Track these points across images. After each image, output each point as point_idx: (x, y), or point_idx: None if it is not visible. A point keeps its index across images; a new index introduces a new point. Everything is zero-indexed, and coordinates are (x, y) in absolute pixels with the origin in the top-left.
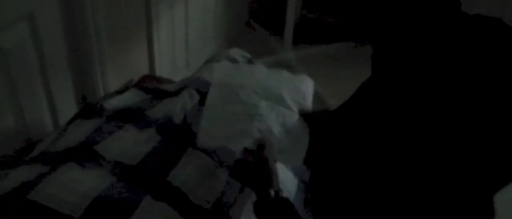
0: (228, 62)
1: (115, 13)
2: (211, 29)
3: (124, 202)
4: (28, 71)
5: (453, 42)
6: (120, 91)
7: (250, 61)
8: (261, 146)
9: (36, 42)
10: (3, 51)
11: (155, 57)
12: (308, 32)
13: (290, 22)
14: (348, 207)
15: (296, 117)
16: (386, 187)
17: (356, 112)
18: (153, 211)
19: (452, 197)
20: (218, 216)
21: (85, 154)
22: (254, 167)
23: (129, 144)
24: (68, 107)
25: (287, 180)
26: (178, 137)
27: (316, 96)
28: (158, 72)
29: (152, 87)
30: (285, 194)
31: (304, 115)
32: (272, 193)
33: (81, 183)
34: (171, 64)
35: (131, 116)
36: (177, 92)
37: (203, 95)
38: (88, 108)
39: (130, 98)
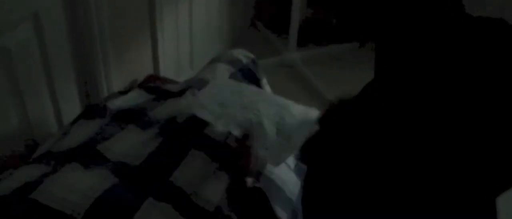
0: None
1: (119, 13)
2: (216, 30)
3: (126, 202)
4: (32, 72)
5: (457, 43)
6: (123, 92)
7: (254, 62)
8: (246, 136)
9: (41, 42)
10: (7, 51)
11: (159, 58)
12: (313, 33)
13: (295, 22)
14: (348, 207)
15: (295, 120)
16: (388, 188)
17: (359, 113)
18: (155, 212)
19: (454, 198)
20: None
21: (88, 154)
22: (235, 152)
23: (132, 144)
24: (72, 108)
25: (290, 181)
26: (181, 137)
27: (319, 97)
28: (162, 73)
29: (156, 87)
30: (286, 195)
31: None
32: (249, 181)
33: (84, 183)
34: (175, 65)
35: (135, 116)
36: (180, 93)
37: None
38: (92, 109)
39: (133, 98)
